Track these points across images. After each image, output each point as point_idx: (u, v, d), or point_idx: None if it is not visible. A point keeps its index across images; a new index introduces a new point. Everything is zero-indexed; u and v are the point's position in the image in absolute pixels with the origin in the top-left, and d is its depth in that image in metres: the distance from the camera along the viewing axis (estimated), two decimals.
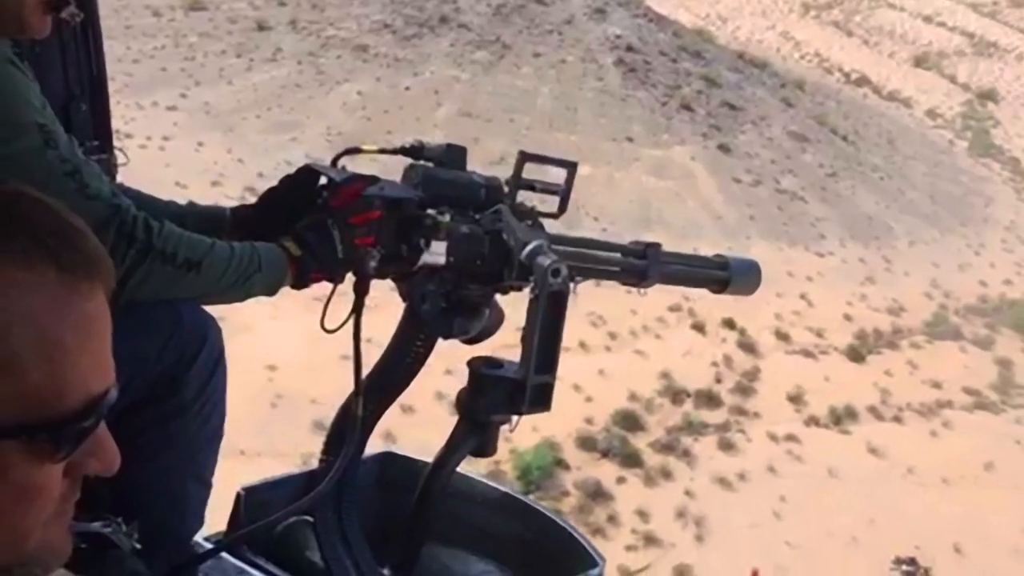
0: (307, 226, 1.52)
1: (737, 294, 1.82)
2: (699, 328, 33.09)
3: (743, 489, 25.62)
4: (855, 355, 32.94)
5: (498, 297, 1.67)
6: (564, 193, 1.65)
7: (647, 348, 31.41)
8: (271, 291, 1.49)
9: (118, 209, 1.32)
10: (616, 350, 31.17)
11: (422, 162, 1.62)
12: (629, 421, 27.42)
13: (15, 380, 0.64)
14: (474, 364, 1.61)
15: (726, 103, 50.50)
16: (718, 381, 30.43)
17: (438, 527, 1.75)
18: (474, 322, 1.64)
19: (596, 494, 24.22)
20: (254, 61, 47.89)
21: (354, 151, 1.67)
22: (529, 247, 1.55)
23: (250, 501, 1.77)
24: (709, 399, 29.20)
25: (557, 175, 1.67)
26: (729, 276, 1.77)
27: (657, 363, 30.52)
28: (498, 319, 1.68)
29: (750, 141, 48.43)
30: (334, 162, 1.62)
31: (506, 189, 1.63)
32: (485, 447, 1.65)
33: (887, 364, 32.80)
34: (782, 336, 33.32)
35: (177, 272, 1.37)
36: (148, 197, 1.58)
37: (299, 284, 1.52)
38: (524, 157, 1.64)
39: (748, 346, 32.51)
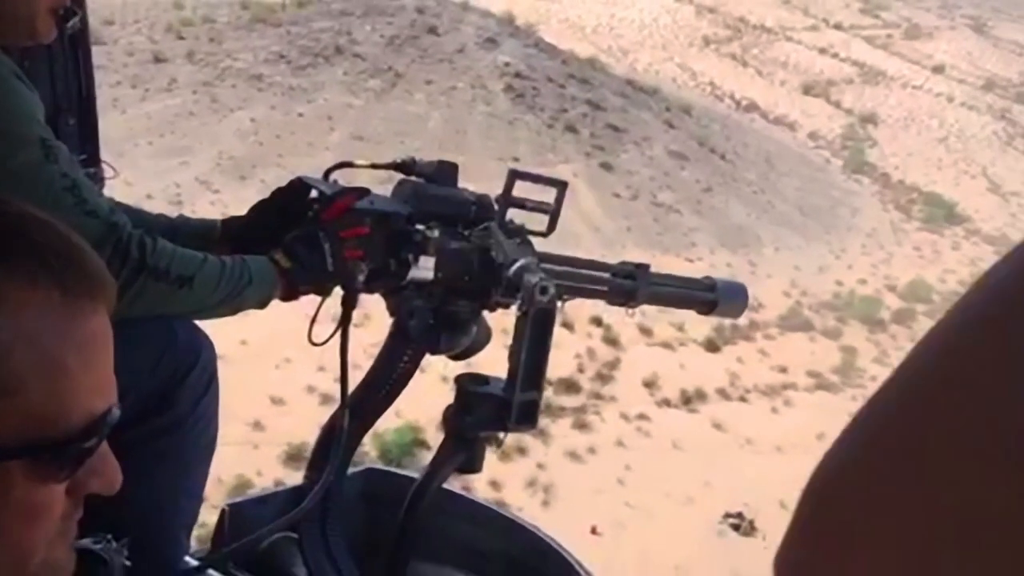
0: (297, 238, 1.55)
1: (724, 316, 1.84)
2: (568, 326, 36.00)
3: (591, 461, 28.30)
4: (711, 346, 36.16)
5: (486, 314, 1.69)
6: (554, 212, 1.68)
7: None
8: (262, 304, 1.53)
9: (115, 226, 1.36)
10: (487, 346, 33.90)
11: (413, 178, 1.66)
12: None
13: (17, 401, 0.65)
14: (461, 381, 1.65)
15: (610, 125, 54.25)
16: (580, 371, 33.26)
17: (424, 543, 1.77)
18: (461, 338, 1.67)
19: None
20: (149, 91, 50.00)
21: (345, 165, 1.71)
22: (517, 264, 1.59)
23: (235, 517, 1.78)
24: (569, 386, 31.98)
25: (547, 193, 1.69)
26: (716, 298, 1.79)
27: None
28: (485, 336, 1.70)
29: (631, 160, 52.10)
30: (326, 176, 1.64)
31: (496, 207, 1.68)
32: (472, 463, 1.68)
33: (740, 353, 36.12)
34: (645, 331, 36.42)
35: (170, 288, 1.41)
36: (139, 211, 1.62)
37: (288, 296, 1.55)
38: (515, 175, 1.68)
39: (612, 340, 35.49)
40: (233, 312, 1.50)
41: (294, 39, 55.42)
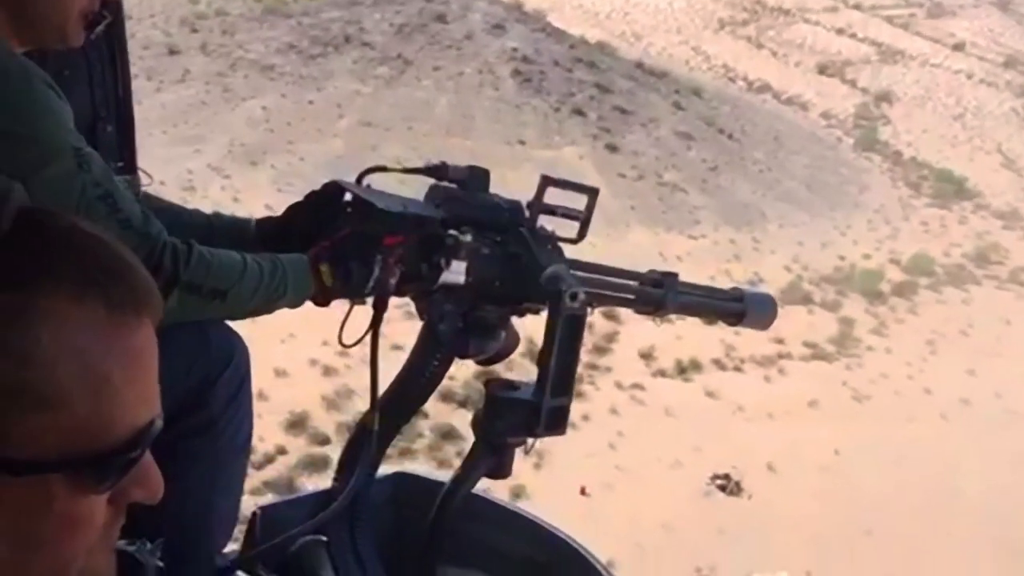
0: (350, 254, 1.55)
1: (752, 327, 1.86)
2: None
3: (585, 428, 29.29)
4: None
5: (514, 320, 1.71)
6: (584, 219, 1.70)
7: (516, 320, 35.28)
8: (294, 307, 1.55)
9: (147, 236, 1.37)
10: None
11: (445, 183, 1.68)
12: (488, 375, 31.05)
13: (62, 414, 0.66)
14: (490, 386, 1.68)
15: (617, 108, 55.08)
16: None
17: (452, 547, 1.78)
18: (490, 343, 1.70)
19: (447, 435, 27.78)
20: (163, 83, 51.61)
21: (378, 170, 1.72)
22: (549, 271, 1.61)
23: (266, 520, 1.81)
24: None
25: (578, 200, 1.71)
26: (744, 308, 1.80)
27: (523, 332, 34.34)
28: (514, 341, 1.73)
29: (638, 141, 52.92)
30: (359, 179, 1.67)
31: (527, 213, 1.69)
32: (501, 469, 1.70)
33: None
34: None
35: (203, 301, 1.43)
36: (176, 208, 1.67)
37: (321, 305, 1.57)
38: (547, 181, 1.68)
39: (611, 315, 36.46)
40: (265, 313, 1.52)
41: (305, 29, 56.82)
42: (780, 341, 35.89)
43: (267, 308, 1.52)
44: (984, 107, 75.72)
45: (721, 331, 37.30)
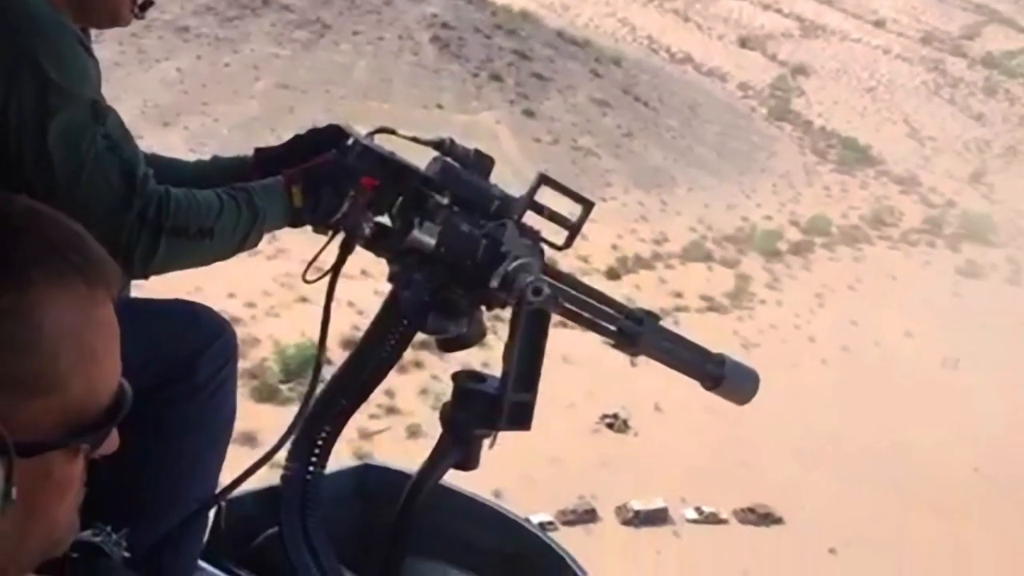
0: (324, 181, 1.59)
1: (727, 397, 1.76)
2: None
3: (462, 356, 30.99)
4: (612, 274, 38.96)
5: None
6: (574, 227, 1.70)
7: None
8: (277, 228, 1.60)
9: (144, 190, 1.43)
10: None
11: (448, 159, 1.67)
12: None
13: (60, 395, 0.70)
14: (458, 377, 1.70)
15: (536, 75, 56.62)
16: None
17: (419, 539, 1.79)
18: (450, 324, 1.68)
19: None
20: None
21: (388, 131, 1.73)
22: (518, 261, 1.60)
23: (232, 512, 1.80)
24: None
25: (570, 208, 1.70)
26: (723, 375, 1.73)
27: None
28: (478, 332, 1.73)
29: (554, 107, 54.53)
30: (369, 137, 1.69)
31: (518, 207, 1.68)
32: (468, 460, 1.70)
33: (639, 281, 38.97)
34: (549, 263, 39.13)
35: (192, 242, 1.47)
36: (169, 160, 1.70)
37: (292, 226, 1.61)
38: (542, 180, 1.69)
39: None
40: (255, 244, 1.56)
41: None
42: (679, 295, 37.99)
43: (252, 236, 1.56)
44: (896, 80, 79.10)
45: (624, 287, 39.19)
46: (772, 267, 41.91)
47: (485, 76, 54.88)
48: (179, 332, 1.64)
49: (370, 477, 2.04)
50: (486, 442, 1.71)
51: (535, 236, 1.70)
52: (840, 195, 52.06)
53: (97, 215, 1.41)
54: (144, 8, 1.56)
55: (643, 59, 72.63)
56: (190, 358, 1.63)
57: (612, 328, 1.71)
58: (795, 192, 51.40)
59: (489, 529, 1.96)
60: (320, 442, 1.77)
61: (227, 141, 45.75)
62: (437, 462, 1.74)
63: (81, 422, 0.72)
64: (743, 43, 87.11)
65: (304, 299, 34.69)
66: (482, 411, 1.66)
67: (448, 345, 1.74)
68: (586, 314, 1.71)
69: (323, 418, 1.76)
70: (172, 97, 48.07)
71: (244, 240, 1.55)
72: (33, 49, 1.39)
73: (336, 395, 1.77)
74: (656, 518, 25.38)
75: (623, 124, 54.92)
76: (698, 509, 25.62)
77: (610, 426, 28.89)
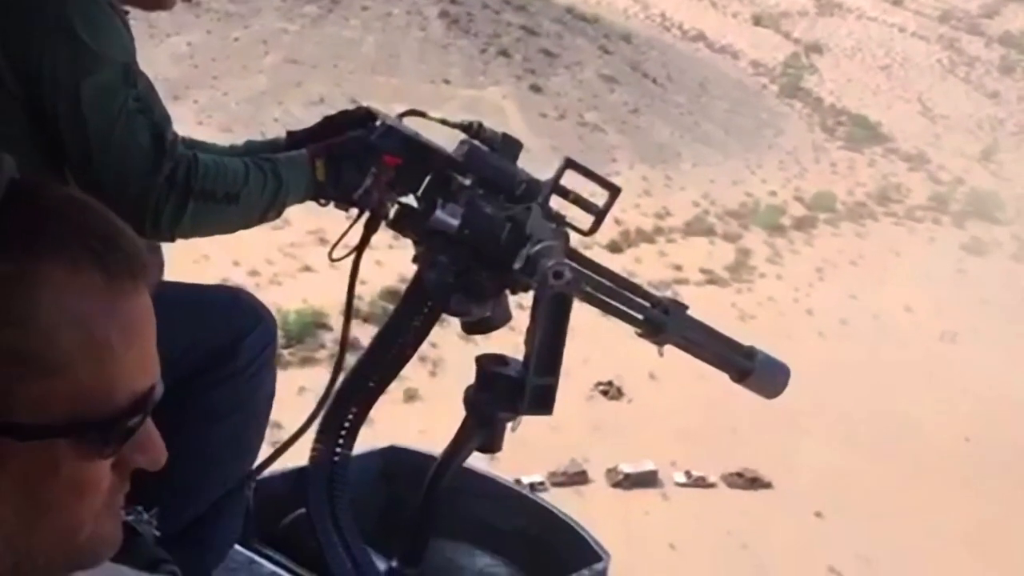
0: (348, 159, 1.63)
1: (755, 390, 1.77)
2: None
3: (482, 341, 31.44)
4: (614, 247, 39.45)
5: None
6: (600, 212, 1.74)
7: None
8: (301, 201, 1.65)
9: (173, 154, 1.48)
10: (398, 248, 37.01)
11: (476, 141, 1.71)
12: (394, 296, 33.18)
13: (64, 380, 0.69)
14: (482, 360, 1.75)
15: (544, 50, 56.94)
16: None
17: (443, 521, 1.82)
18: (474, 306, 1.72)
19: (350, 347, 29.86)
20: None
21: (418, 114, 1.79)
22: (540, 245, 1.61)
23: (260, 493, 1.82)
24: None
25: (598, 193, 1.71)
26: (752, 368, 1.73)
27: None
28: (503, 315, 1.77)
29: (562, 82, 54.88)
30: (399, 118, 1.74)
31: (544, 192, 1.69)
32: (492, 443, 1.74)
33: (640, 254, 39.46)
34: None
35: (219, 206, 1.52)
36: (202, 144, 1.74)
37: (316, 201, 1.67)
38: (568, 164, 1.72)
39: None
40: (277, 216, 1.60)
41: None
42: (679, 268, 38.47)
43: (275, 206, 1.58)
44: (912, 59, 78.76)
45: (625, 260, 39.77)
46: (774, 242, 42.28)
47: (493, 51, 55.27)
48: (221, 318, 1.71)
49: (395, 459, 2.09)
50: (509, 425, 1.72)
51: (560, 220, 1.72)
52: (847, 172, 52.22)
53: (128, 177, 1.46)
54: None
55: (654, 36, 72.70)
56: (232, 344, 1.68)
57: (638, 316, 1.72)
58: (801, 168, 51.61)
59: (513, 511, 1.99)
60: (347, 423, 1.79)
61: (235, 115, 46.50)
62: (461, 445, 1.78)
63: (89, 415, 0.71)
64: (757, 21, 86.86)
65: (307, 268, 35.46)
66: (505, 394, 1.68)
67: (472, 328, 1.78)
68: (610, 300, 1.71)
69: (349, 399, 1.79)
70: (182, 71, 48.79)
71: (268, 209, 1.58)
72: (65, 12, 1.42)
73: (362, 376, 1.80)
74: (645, 481, 26.04)
75: (630, 100, 55.19)
76: (687, 473, 26.25)
77: (604, 393, 29.50)
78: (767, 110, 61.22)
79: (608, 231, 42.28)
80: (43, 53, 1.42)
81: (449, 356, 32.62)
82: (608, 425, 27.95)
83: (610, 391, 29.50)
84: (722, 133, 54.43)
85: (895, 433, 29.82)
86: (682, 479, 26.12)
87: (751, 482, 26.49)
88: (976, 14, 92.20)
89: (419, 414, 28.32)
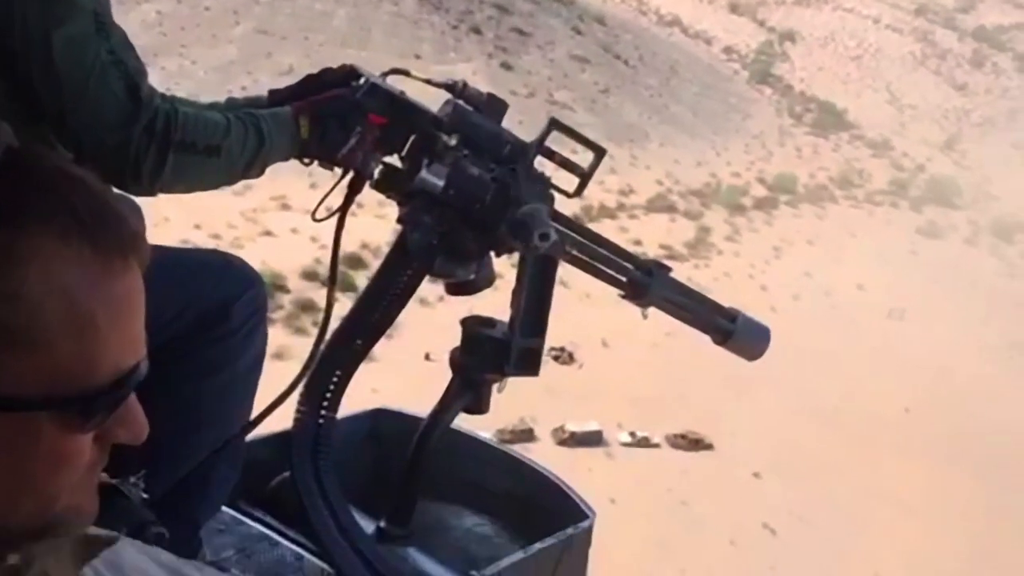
0: (333, 116, 1.63)
1: (736, 352, 1.82)
2: None
3: (439, 306, 32.29)
4: (575, 221, 40.41)
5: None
6: (585, 174, 1.81)
7: (391, 213, 38.08)
8: (285, 158, 1.65)
9: (149, 107, 1.46)
10: (361, 215, 37.76)
11: (460, 101, 1.71)
12: (354, 262, 33.87)
13: (46, 353, 0.69)
14: (467, 322, 1.80)
15: (516, 29, 57.68)
16: None
17: (431, 483, 1.85)
18: (457, 268, 1.74)
19: (306, 307, 30.55)
20: None
21: (402, 72, 1.80)
22: (527, 206, 1.66)
23: (247, 456, 1.84)
24: None
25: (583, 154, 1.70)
26: (733, 330, 1.79)
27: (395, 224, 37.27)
28: (487, 277, 1.80)
29: (533, 61, 55.64)
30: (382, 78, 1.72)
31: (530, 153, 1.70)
32: (478, 404, 1.80)
33: (601, 229, 40.07)
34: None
35: (200, 158, 1.50)
36: (182, 100, 1.69)
37: (300, 159, 1.66)
38: (553, 124, 1.78)
39: None
40: (259, 173, 1.60)
41: None
42: (638, 243, 39.37)
43: (257, 162, 1.57)
44: (883, 50, 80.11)
45: None
46: (734, 220, 43.29)
47: (464, 28, 55.96)
48: (213, 281, 1.71)
49: (382, 421, 2.12)
50: (495, 386, 1.76)
51: (545, 182, 1.77)
52: (811, 156, 53.35)
53: (104, 129, 1.45)
54: None
55: (629, 19, 73.57)
56: (223, 306, 1.69)
57: (621, 278, 1.78)
58: (767, 152, 52.69)
59: (500, 472, 2.03)
60: (331, 386, 1.80)
61: (203, 83, 46.74)
62: (448, 406, 1.82)
63: (71, 390, 0.71)
64: (734, 8, 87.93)
65: (268, 232, 36.04)
66: (491, 356, 1.73)
67: (456, 290, 1.80)
68: (595, 263, 1.78)
69: (334, 362, 1.80)
70: (151, 39, 48.92)
71: (250, 164, 1.58)
72: None
73: (346, 339, 1.81)
74: (590, 440, 26.97)
75: (600, 81, 56.06)
76: (632, 433, 27.22)
77: (556, 358, 30.38)
78: (736, 95, 62.26)
79: (571, 205, 43.08)
80: (13, 2, 1.39)
81: (407, 319, 32.78)
82: (558, 388, 28.86)
83: (562, 357, 30.39)
84: (690, 115, 55.41)
85: (838, 403, 31.00)
86: (627, 439, 27.09)
87: (694, 443, 27.51)
88: (952, 8, 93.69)
89: (372, 373, 28.76)
